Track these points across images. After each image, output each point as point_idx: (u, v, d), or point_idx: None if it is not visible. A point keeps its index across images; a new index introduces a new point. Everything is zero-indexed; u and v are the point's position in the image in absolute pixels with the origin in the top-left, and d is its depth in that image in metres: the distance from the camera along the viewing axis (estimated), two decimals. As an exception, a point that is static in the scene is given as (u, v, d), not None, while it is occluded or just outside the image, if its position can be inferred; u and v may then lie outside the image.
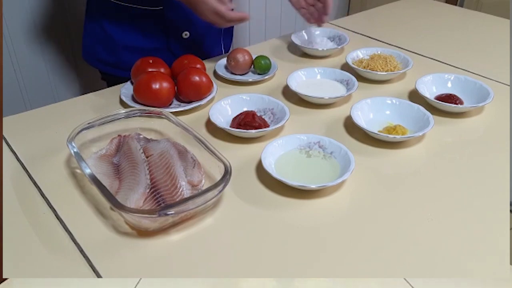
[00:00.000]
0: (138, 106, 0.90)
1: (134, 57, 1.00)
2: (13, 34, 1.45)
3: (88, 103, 0.95)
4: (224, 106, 0.90)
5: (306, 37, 1.24)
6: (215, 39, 1.21)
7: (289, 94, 0.96)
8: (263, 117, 0.88)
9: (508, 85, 1.05)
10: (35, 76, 1.53)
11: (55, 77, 1.57)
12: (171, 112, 0.81)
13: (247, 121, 0.83)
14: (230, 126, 0.84)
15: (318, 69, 1.04)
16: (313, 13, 1.15)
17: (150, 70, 0.93)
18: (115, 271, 0.58)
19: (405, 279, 1.14)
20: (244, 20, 0.99)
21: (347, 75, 1.01)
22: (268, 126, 0.84)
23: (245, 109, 0.90)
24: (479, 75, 1.08)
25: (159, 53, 1.06)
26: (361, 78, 1.05)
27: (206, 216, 0.67)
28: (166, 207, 0.60)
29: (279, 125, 0.83)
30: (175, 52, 1.12)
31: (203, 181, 0.71)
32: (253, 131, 0.81)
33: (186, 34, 1.12)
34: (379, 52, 1.12)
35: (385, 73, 1.03)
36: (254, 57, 1.06)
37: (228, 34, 1.26)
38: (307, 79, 1.03)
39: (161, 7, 1.07)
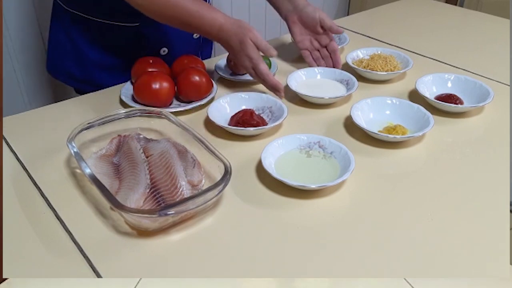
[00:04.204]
0: (138, 106, 0.90)
1: (106, 75, 0.96)
2: (13, 32, 1.45)
3: (88, 103, 0.95)
4: (223, 104, 0.90)
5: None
6: (194, 53, 1.10)
7: (289, 94, 0.96)
8: (261, 115, 0.88)
9: (508, 85, 1.05)
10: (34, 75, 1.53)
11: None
12: (171, 112, 0.81)
13: (245, 119, 0.84)
14: (229, 125, 0.84)
15: (318, 69, 1.04)
16: (318, 58, 1.07)
17: (150, 70, 0.93)
18: (115, 271, 0.58)
19: (405, 279, 1.14)
20: (276, 89, 0.92)
21: (347, 75, 1.01)
22: (266, 124, 0.84)
23: (243, 107, 0.90)
24: (479, 75, 1.08)
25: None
26: (361, 78, 1.04)
27: (206, 216, 0.67)
28: (166, 207, 0.60)
29: (277, 123, 0.84)
30: None
31: (203, 181, 0.71)
32: (251, 128, 0.82)
33: (164, 51, 1.07)
34: (379, 52, 1.12)
35: (385, 73, 1.03)
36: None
37: (207, 44, 1.20)
38: (307, 79, 1.03)
39: (137, 24, 1.01)
